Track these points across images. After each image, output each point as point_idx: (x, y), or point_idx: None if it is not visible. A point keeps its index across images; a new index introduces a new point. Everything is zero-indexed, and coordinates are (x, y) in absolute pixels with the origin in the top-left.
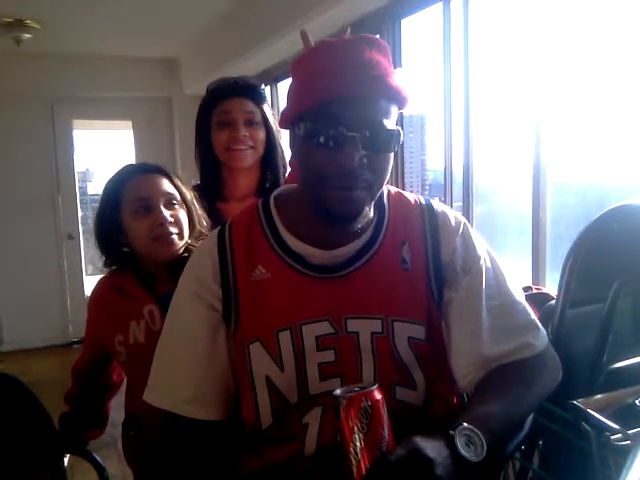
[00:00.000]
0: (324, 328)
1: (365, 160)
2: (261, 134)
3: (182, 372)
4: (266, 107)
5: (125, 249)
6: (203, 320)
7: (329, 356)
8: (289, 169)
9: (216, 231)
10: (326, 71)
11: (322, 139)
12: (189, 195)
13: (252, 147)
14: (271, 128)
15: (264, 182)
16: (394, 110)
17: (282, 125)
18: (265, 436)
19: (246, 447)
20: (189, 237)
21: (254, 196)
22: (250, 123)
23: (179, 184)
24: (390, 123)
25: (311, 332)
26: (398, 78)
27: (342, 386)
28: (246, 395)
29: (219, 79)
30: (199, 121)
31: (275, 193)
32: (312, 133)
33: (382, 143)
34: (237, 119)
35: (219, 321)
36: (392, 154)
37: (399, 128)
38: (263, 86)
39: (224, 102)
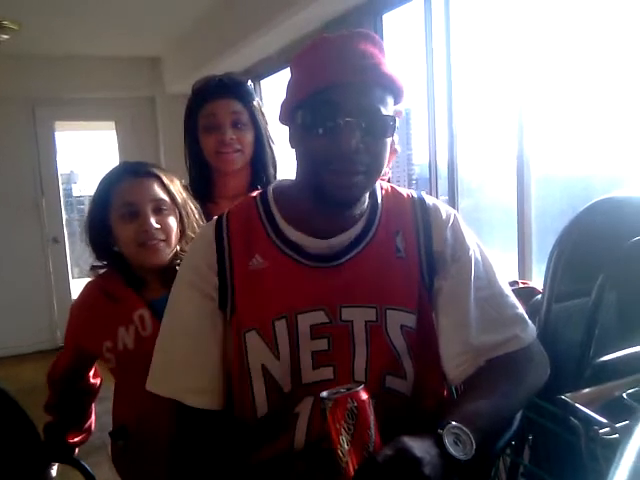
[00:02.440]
0: (319, 317)
1: (362, 145)
2: (248, 136)
3: (181, 361)
4: (254, 104)
5: (116, 249)
6: (200, 310)
7: (322, 344)
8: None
9: (214, 220)
10: (322, 62)
11: (319, 126)
12: (180, 199)
13: (239, 150)
14: (260, 127)
15: (254, 182)
16: (390, 100)
17: (281, 119)
18: (258, 428)
19: (238, 446)
20: (179, 242)
21: (244, 196)
22: (236, 124)
23: (171, 187)
24: (386, 110)
25: (306, 321)
26: (392, 68)
27: (334, 375)
28: (242, 385)
29: (204, 78)
30: (186, 123)
31: (273, 185)
32: (310, 121)
33: (378, 128)
34: (223, 122)
35: (216, 311)
36: (389, 139)
37: (395, 115)
38: (250, 82)
39: (209, 104)
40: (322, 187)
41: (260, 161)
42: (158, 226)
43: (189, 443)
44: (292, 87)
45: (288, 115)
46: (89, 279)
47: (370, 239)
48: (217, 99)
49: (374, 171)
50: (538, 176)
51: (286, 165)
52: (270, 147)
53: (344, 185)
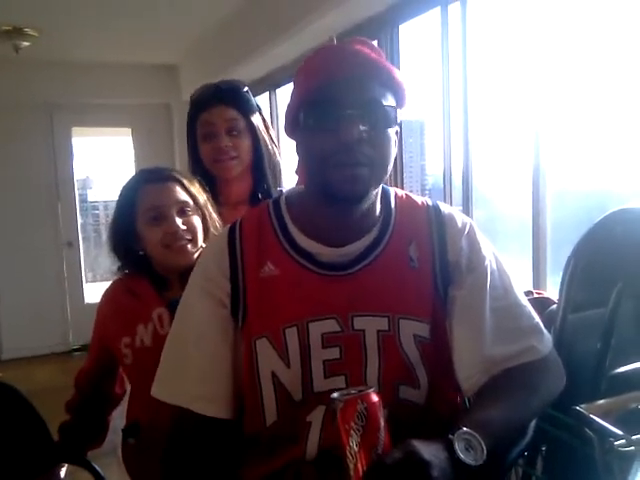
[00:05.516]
0: (330, 326)
1: (365, 135)
2: (245, 142)
3: (193, 368)
4: (252, 113)
5: (140, 253)
6: (213, 317)
7: (334, 353)
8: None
9: (227, 228)
10: (319, 64)
11: (321, 124)
12: (202, 200)
13: (236, 157)
14: (257, 134)
15: (256, 189)
16: (390, 98)
17: (286, 130)
18: (268, 436)
19: (248, 456)
20: (204, 241)
21: (247, 204)
22: (232, 131)
23: (192, 190)
24: (386, 102)
25: (317, 329)
26: (390, 67)
27: (346, 385)
28: (252, 393)
29: (201, 87)
30: (187, 132)
31: (286, 192)
32: (312, 121)
33: (380, 119)
34: (219, 130)
35: (228, 318)
36: (392, 131)
37: (396, 106)
38: (246, 88)
39: (206, 112)
40: (327, 183)
41: (260, 167)
42: (184, 227)
43: (191, 453)
44: (292, 95)
45: (292, 122)
46: (102, 283)
47: (383, 248)
48: (212, 107)
49: (379, 164)
50: (554, 189)
51: (291, 171)
52: (270, 152)
53: (348, 178)
